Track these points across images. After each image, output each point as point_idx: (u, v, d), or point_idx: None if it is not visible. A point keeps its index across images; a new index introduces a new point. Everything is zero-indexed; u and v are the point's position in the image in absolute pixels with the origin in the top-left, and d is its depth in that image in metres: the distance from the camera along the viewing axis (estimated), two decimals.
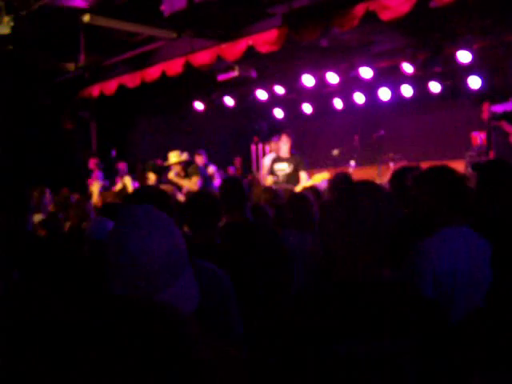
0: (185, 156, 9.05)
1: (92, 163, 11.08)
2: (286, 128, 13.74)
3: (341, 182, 5.51)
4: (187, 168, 8.96)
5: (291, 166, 8.17)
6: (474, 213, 3.29)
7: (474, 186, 3.60)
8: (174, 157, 8.95)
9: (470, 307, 2.76)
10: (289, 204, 4.65)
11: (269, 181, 8.22)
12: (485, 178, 3.58)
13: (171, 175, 8.92)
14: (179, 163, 8.89)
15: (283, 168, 8.22)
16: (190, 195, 5.31)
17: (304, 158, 8.32)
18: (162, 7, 7.42)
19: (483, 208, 3.49)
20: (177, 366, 0.82)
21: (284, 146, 8.24)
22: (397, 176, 4.09)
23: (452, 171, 3.04)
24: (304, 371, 1.81)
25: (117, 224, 1.72)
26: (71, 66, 9.69)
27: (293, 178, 8.08)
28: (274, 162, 8.34)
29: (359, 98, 11.90)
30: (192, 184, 8.71)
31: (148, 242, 1.62)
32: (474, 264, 2.81)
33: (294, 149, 8.34)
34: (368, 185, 2.12)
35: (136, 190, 3.42)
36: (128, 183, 10.16)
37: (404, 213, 3.47)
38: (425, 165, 3.95)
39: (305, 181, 7.94)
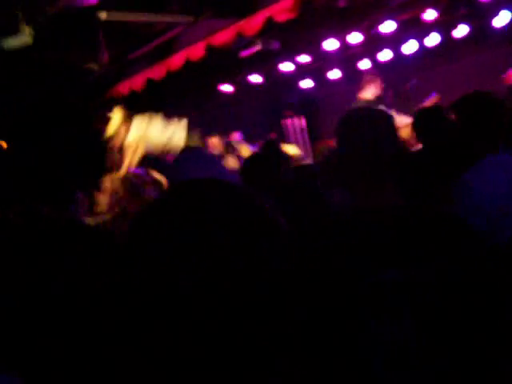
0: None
1: None
2: (317, 97, 13.68)
3: None
4: None
5: None
6: None
7: None
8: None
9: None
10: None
11: None
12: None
13: None
14: None
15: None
16: None
17: None
18: None
19: None
20: None
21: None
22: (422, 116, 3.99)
23: (491, 96, 2.95)
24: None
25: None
26: (95, 66, 9.74)
27: None
28: None
29: (386, 54, 11.69)
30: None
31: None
32: None
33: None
34: (367, 111, 2.09)
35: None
36: None
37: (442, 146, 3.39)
38: None
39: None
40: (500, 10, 9.83)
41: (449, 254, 1.77)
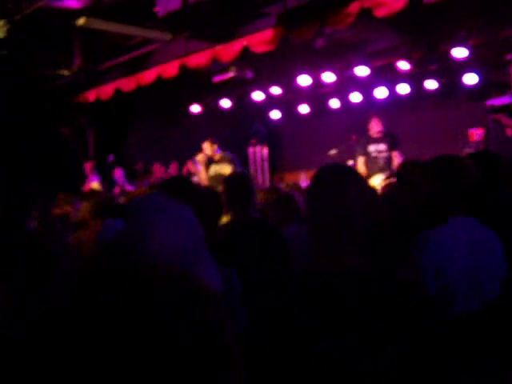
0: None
1: (88, 168, 11.05)
2: (282, 129, 13.79)
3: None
4: None
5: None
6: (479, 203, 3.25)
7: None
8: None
9: (478, 301, 2.71)
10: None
11: (361, 162, 8.57)
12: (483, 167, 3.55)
13: None
14: None
15: (380, 149, 8.39)
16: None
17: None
18: (156, 8, 7.40)
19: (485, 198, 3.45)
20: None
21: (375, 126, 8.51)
22: (404, 168, 4.06)
23: (458, 160, 3.00)
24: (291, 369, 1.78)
25: (131, 221, 1.68)
26: (66, 71, 9.66)
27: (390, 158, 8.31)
28: (368, 143, 8.59)
29: (356, 97, 11.87)
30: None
31: (165, 237, 1.58)
32: (480, 257, 2.75)
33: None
34: (341, 170, 2.10)
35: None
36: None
37: (409, 205, 3.43)
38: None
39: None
40: (469, 71, 10.07)
41: (401, 326, 1.80)
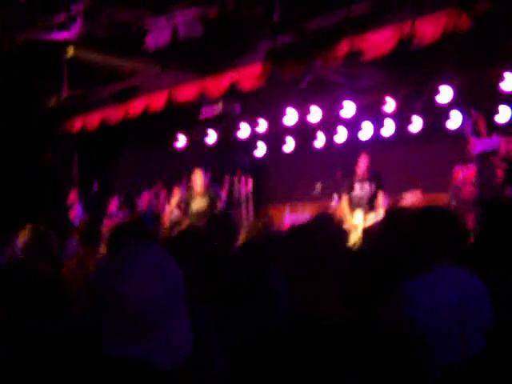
0: None
1: (73, 197, 10.97)
2: (268, 162, 13.83)
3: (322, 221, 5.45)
4: None
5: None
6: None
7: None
8: None
9: (463, 354, 2.69)
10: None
11: (346, 201, 8.64)
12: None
13: None
14: None
15: (364, 187, 8.46)
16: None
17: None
18: (147, 41, 7.43)
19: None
20: None
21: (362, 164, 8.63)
22: (390, 215, 4.07)
23: (446, 212, 3.02)
24: None
25: (111, 260, 1.67)
26: (53, 99, 9.64)
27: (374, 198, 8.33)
28: (354, 181, 8.69)
29: (342, 133, 11.94)
30: None
31: (142, 286, 1.56)
32: (465, 308, 2.74)
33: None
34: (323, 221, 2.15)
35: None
36: None
37: (397, 252, 3.44)
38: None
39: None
40: (454, 111, 10.18)
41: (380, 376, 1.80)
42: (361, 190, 8.61)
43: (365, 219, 8.31)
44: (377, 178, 8.57)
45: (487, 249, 3.47)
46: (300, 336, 1.91)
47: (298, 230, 2.13)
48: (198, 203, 8.49)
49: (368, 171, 8.58)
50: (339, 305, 1.98)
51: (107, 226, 9.94)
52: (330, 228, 2.14)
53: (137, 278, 1.56)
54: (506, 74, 8.46)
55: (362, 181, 8.62)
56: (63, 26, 7.50)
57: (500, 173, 7.74)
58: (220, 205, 8.73)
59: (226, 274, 3.70)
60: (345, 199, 8.68)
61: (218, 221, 3.90)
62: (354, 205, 8.59)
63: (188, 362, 1.62)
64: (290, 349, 1.91)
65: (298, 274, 2.01)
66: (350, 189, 8.66)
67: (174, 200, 8.88)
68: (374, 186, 8.52)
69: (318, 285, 1.98)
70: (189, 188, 8.98)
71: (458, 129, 10.40)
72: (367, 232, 5.19)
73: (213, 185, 8.82)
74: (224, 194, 13.10)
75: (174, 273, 1.65)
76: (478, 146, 8.82)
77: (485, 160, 8.71)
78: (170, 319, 1.60)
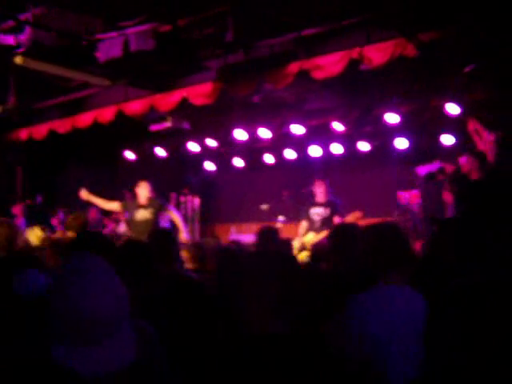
0: None
1: (17, 209, 10.74)
2: (216, 181, 13.84)
3: (266, 236, 5.49)
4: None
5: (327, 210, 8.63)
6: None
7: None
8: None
9: (410, 367, 2.71)
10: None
11: (304, 226, 8.74)
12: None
13: None
14: None
15: (319, 212, 8.49)
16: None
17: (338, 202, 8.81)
18: (97, 54, 7.38)
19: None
20: None
21: (319, 190, 8.74)
22: (336, 232, 4.10)
23: (393, 228, 3.05)
24: None
25: (60, 270, 1.68)
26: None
27: (329, 221, 8.41)
28: (311, 206, 8.75)
29: (290, 154, 12.05)
30: None
31: (89, 291, 1.57)
32: (406, 323, 2.76)
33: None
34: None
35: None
36: None
37: (343, 268, 3.47)
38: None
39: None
40: (400, 136, 10.37)
41: None
42: (316, 214, 8.75)
43: (316, 237, 8.41)
44: (333, 204, 8.73)
45: (435, 266, 3.51)
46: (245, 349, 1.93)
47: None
48: (142, 214, 8.43)
49: (325, 197, 8.76)
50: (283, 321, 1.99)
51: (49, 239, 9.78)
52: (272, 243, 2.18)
53: (86, 288, 1.59)
54: (448, 104, 8.69)
55: (319, 205, 8.77)
56: (11, 31, 7.38)
57: (447, 195, 7.89)
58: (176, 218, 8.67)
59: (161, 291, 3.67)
60: (302, 225, 8.81)
61: (160, 234, 3.89)
62: (308, 226, 8.73)
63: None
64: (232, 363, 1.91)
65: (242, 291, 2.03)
66: (307, 214, 8.80)
67: (113, 207, 8.85)
68: (328, 212, 8.68)
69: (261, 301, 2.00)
70: (133, 200, 8.93)
71: (402, 153, 10.59)
72: (315, 248, 5.24)
73: (158, 197, 8.74)
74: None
75: (118, 284, 1.68)
76: (420, 170, 9.02)
77: (429, 184, 8.92)
78: (115, 328, 1.62)
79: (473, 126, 7.02)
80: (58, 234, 9.96)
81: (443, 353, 2.78)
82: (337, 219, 8.51)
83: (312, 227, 8.65)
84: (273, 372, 1.87)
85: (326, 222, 8.51)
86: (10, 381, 1.60)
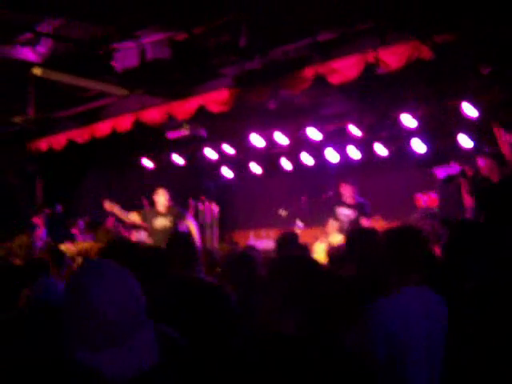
0: None
1: (37, 219, 10.82)
2: (233, 187, 13.86)
3: (287, 241, 5.51)
4: None
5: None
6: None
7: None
8: None
9: (429, 367, 2.70)
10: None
11: (333, 225, 8.87)
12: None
13: None
14: None
15: (347, 213, 8.75)
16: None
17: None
18: (114, 63, 7.44)
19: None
20: None
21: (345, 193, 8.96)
22: (353, 237, 4.10)
23: (414, 231, 3.04)
24: None
25: (78, 275, 1.72)
26: (19, 119, 9.56)
27: (356, 224, 8.66)
28: (338, 206, 8.97)
29: (307, 159, 12.03)
30: None
31: (110, 293, 1.61)
32: (430, 324, 2.75)
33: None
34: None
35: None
36: None
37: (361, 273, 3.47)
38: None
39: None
40: (417, 139, 10.33)
41: None
42: (343, 214, 8.83)
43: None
44: (361, 206, 8.80)
45: (454, 268, 3.49)
46: (259, 351, 1.94)
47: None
48: (161, 222, 8.50)
49: (353, 199, 8.84)
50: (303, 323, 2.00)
51: (69, 249, 9.84)
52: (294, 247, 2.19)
53: (108, 290, 1.62)
54: (464, 104, 8.68)
55: (346, 206, 8.85)
56: (28, 44, 7.48)
57: (467, 198, 7.84)
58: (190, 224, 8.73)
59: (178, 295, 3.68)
60: (331, 223, 8.88)
61: (178, 239, 3.90)
62: (337, 226, 8.83)
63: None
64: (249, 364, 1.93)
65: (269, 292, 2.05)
66: (334, 213, 8.89)
67: (134, 218, 8.90)
68: (356, 213, 8.75)
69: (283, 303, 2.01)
70: (151, 208, 8.99)
71: (420, 156, 10.55)
72: (332, 253, 5.24)
73: (176, 205, 8.81)
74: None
75: (136, 286, 1.72)
76: (438, 173, 8.98)
77: (447, 187, 8.88)
78: (136, 329, 1.65)
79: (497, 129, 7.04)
80: (80, 244, 10.04)
81: (461, 355, 2.79)
82: (364, 221, 8.56)
83: (339, 227, 8.73)
84: (291, 375, 1.88)
85: (354, 223, 8.57)
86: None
